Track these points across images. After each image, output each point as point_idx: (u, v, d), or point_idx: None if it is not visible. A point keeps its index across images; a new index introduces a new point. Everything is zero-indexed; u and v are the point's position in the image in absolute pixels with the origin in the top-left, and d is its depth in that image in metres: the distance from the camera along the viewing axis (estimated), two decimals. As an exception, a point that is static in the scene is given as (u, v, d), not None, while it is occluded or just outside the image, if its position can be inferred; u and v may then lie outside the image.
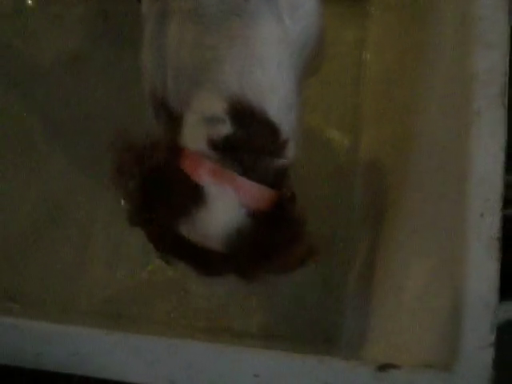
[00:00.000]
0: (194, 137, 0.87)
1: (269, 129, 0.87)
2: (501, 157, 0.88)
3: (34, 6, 1.52)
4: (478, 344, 0.82)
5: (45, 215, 1.37)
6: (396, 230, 1.08)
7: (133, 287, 1.32)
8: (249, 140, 0.86)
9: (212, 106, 0.86)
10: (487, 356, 0.82)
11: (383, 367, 0.84)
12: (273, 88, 0.87)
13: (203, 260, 0.88)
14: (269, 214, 0.88)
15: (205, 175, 0.85)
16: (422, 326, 0.92)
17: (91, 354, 0.88)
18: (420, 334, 0.92)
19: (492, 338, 0.82)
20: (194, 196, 0.85)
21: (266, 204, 0.88)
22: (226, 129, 0.85)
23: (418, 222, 1.02)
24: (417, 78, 1.13)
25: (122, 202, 0.96)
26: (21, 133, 1.43)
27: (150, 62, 0.93)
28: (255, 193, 0.87)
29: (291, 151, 0.90)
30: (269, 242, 0.87)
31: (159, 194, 0.87)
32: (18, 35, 1.50)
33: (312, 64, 1.00)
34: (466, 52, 0.93)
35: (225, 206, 0.86)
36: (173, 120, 0.91)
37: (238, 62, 0.86)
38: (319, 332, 1.25)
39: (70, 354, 0.88)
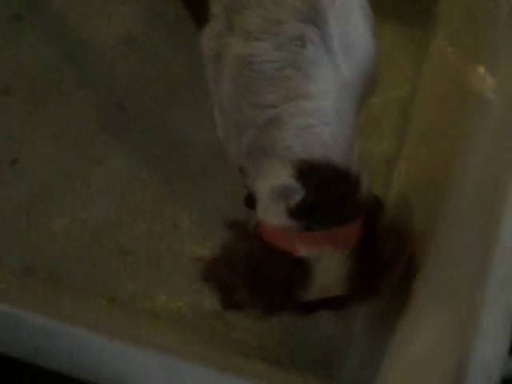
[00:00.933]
0: (272, 212, 0.88)
1: (339, 176, 0.87)
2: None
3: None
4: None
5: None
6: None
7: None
8: (322, 195, 0.86)
9: (280, 176, 0.86)
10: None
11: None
12: (334, 137, 0.87)
13: (334, 303, 0.93)
14: (365, 239, 0.91)
15: (296, 245, 0.87)
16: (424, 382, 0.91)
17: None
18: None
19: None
20: (299, 267, 0.88)
21: (359, 234, 0.90)
22: (299, 194, 0.86)
23: (437, 275, 1.00)
24: (460, 128, 1.11)
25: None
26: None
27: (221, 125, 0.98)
28: (347, 234, 0.89)
29: (365, 183, 0.90)
30: (380, 261, 0.92)
31: (265, 279, 0.90)
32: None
33: (366, 95, 0.99)
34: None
35: (329, 260, 0.88)
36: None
37: (298, 120, 0.85)
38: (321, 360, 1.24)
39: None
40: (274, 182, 0.87)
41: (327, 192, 0.86)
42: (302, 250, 0.87)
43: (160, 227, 1.34)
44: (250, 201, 0.94)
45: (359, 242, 0.90)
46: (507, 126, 0.98)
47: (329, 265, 0.88)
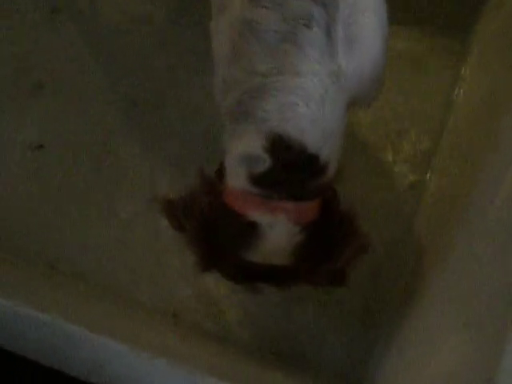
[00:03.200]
0: (236, 176, 0.92)
1: (307, 158, 0.89)
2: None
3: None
4: None
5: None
6: (439, 290, 1.04)
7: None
8: (287, 172, 0.89)
9: (250, 145, 0.89)
10: None
11: None
12: (313, 121, 0.88)
13: (276, 276, 0.95)
14: (319, 220, 0.94)
15: (251, 209, 0.90)
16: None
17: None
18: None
19: None
20: (250, 230, 0.91)
21: (315, 214, 0.93)
22: (265, 165, 0.88)
23: (460, 285, 0.97)
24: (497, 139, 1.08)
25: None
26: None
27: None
28: (303, 211, 0.92)
29: (331, 171, 0.93)
30: (327, 244, 0.94)
31: (219, 237, 0.94)
32: None
33: (365, 97, 1.01)
34: None
35: (280, 230, 0.91)
36: None
37: (282, 99, 0.87)
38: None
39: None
40: (246, 148, 0.90)
41: (291, 170, 0.89)
42: (256, 215, 0.90)
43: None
44: (220, 173, 0.97)
45: (312, 222, 0.93)
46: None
47: (279, 233, 0.90)
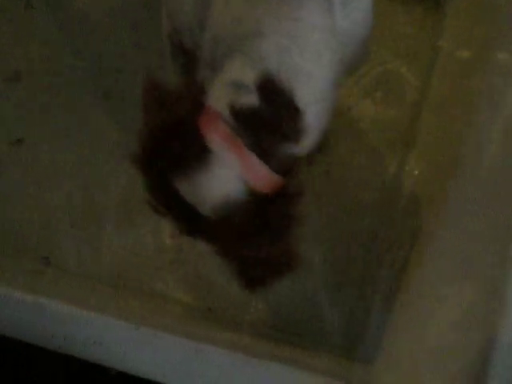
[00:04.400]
0: (219, 98, 0.86)
1: (292, 113, 0.84)
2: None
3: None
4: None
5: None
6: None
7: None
8: (269, 118, 0.84)
9: (243, 73, 0.85)
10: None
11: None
12: (308, 75, 0.85)
13: (188, 219, 0.88)
14: (266, 199, 0.85)
15: (217, 137, 0.83)
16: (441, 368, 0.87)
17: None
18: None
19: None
20: (201, 155, 0.83)
21: (267, 187, 0.85)
22: (250, 100, 0.83)
23: (460, 244, 0.96)
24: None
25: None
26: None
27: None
28: (259, 171, 0.85)
29: (308, 141, 0.88)
30: (256, 227, 0.85)
31: (170, 144, 0.85)
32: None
33: (353, 61, 0.98)
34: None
35: (226, 174, 0.84)
36: (190, 64, 0.91)
37: (279, 41, 0.84)
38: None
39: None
40: (238, 75, 0.85)
41: (273, 118, 0.84)
42: (215, 141, 0.83)
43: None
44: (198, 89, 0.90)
45: (259, 197, 0.85)
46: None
47: (223, 176, 0.84)
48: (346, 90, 1.35)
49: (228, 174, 0.84)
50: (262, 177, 0.85)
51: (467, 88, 1.18)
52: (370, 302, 1.17)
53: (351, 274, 1.23)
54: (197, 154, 0.83)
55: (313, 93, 0.86)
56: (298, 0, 0.84)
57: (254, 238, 0.86)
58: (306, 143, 0.88)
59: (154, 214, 0.91)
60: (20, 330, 1.01)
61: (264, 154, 0.84)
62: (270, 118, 0.84)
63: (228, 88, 0.85)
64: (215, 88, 0.87)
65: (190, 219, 0.88)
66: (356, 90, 1.36)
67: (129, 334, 0.97)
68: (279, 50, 0.84)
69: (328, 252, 1.24)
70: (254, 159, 0.84)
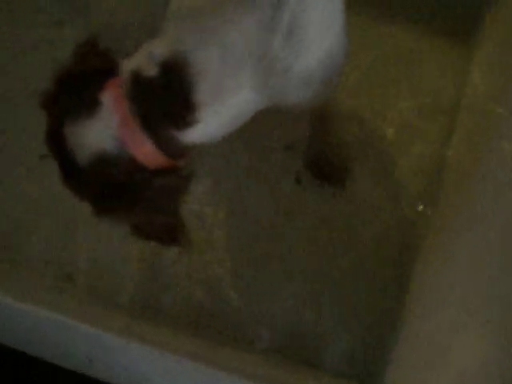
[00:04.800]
0: (131, 62, 0.89)
1: (185, 103, 0.87)
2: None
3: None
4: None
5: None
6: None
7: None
8: (159, 94, 0.86)
9: (159, 47, 0.87)
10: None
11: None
12: (217, 77, 0.87)
13: (64, 164, 0.91)
14: (152, 172, 0.89)
15: (108, 92, 0.87)
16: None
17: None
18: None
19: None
20: (91, 104, 0.87)
21: (147, 160, 0.89)
22: (152, 71, 0.86)
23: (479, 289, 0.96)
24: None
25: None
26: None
27: None
28: (136, 139, 0.87)
29: (200, 139, 0.90)
30: (133, 193, 0.89)
31: (72, 89, 0.89)
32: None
33: (315, 99, 0.99)
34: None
35: (104, 127, 0.87)
36: None
37: (202, 35, 0.86)
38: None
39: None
40: (154, 47, 0.88)
41: (167, 99, 0.86)
42: (105, 94, 0.87)
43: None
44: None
45: (142, 167, 0.88)
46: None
47: (102, 126, 0.87)
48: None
49: (105, 128, 0.87)
50: (140, 146, 0.88)
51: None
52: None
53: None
54: (89, 102, 0.87)
55: (212, 95, 0.87)
56: (242, 6, 0.85)
57: (132, 201, 0.89)
58: (196, 138, 0.90)
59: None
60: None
61: (147, 128, 0.87)
62: (160, 94, 0.86)
63: (142, 57, 0.88)
64: (135, 54, 0.90)
65: (69, 168, 0.91)
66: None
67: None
68: (198, 43, 0.86)
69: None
70: (134, 126, 0.87)
